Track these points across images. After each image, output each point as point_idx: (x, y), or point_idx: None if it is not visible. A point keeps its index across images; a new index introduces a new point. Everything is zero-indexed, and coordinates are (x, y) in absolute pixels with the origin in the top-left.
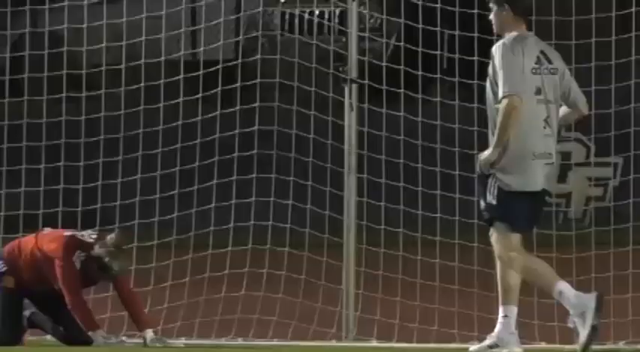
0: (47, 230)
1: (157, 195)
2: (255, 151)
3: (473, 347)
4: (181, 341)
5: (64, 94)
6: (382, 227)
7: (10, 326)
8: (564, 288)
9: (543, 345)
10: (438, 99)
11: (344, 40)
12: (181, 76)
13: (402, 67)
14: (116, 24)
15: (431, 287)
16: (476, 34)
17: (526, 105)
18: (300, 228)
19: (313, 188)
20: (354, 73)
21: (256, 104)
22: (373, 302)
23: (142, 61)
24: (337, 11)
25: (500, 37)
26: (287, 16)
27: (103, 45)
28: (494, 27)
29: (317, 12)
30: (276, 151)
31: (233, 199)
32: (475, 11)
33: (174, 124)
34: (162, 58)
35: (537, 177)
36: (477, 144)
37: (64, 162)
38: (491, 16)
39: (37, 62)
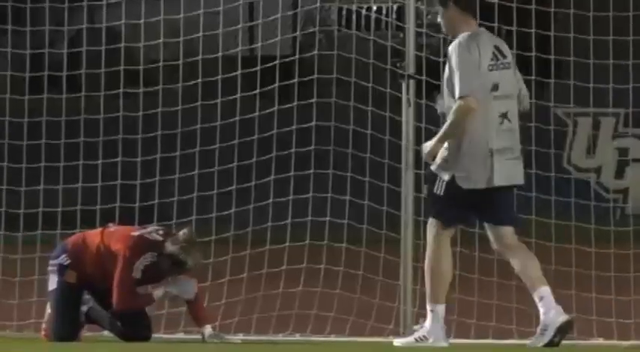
0: (113, 226)
1: (215, 191)
2: (312, 147)
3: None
4: (239, 337)
5: (121, 90)
6: None
7: (69, 322)
8: (441, 312)
9: (601, 341)
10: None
11: (401, 35)
12: (239, 72)
13: None
14: (173, 20)
15: (489, 283)
16: (533, 30)
17: (481, 103)
18: (358, 224)
19: (371, 184)
20: (411, 69)
21: (313, 100)
22: None
23: (200, 56)
24: (394, 7)
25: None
26: (344, 12)
27: (161, 41)
28: (444, 29)
29: (374, 7)
30: (333, 147)
31: (290, 195)
32: (533, 7)
33: (231, 120)
34: (220, 54)
35: (491, 174)
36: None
37: (121, 157)
38: (439, 19)
39: (95, 58)
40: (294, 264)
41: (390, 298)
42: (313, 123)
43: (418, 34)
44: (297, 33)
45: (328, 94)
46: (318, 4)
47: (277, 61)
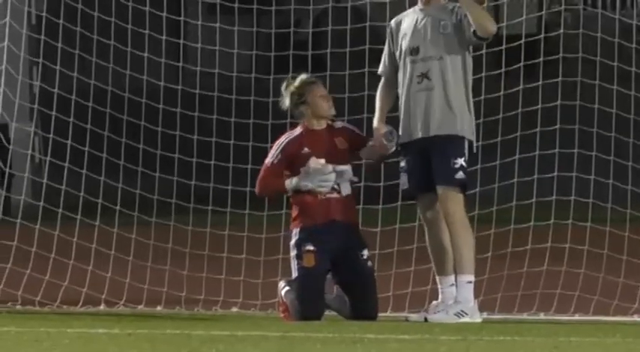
0: None
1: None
2: (557, 126)
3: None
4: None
5: (366, 69)
6: None
7: (310, 303)
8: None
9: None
10: None
11: None
12: (484, 51)
13: None
14: None
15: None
16: None
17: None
18: (602, 203)
19: (615, 163)
20: None
21: (559, 79)
22: None
23: None
24: None
25: None
26: None
27: None
28: None
29: None
30: (578, 126)
31: (535, 174)
32: None
33: (476, 99)
34: None
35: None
36: None
37: None
38: None
39: (340, 37)
40: (538, 243)
41: (635, 277)
42: (558, 102)
43: None
44: (543, 12)
45: (574, 73)
46: None
47: (522, 40)
